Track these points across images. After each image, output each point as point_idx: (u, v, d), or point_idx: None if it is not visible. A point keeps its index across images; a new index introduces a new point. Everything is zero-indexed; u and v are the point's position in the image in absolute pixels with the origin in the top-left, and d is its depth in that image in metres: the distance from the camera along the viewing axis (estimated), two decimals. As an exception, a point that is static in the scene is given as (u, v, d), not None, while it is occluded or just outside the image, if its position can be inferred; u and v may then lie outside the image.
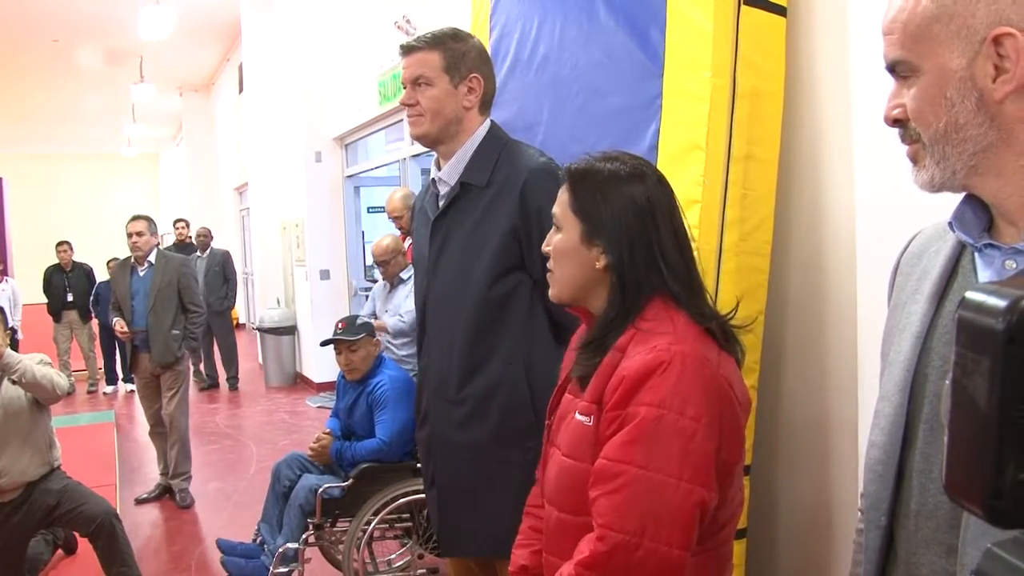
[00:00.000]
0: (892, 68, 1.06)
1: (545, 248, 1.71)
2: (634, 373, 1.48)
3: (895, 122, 1.08)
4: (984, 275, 1.06)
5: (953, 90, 1.00)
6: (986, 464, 0.53)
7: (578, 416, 1.59)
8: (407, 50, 2.36)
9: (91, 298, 10.14)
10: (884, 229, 2.25)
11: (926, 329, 1.11)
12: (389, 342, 4.68)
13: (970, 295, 0.56)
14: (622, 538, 1.43)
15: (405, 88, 2.36)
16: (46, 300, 10.44)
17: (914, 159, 1.07)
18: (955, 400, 0.57)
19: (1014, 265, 1.02)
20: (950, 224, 1.09)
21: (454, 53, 2.35)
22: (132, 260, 5.89)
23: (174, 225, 11.29)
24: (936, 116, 1.02)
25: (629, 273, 1.60)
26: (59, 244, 10.53)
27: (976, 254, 1.07)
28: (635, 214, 1.62)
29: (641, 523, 1.43)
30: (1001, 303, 0.52)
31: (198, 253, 10.32)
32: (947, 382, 0.57)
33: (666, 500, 1.44)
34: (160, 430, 6.02)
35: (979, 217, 1.06)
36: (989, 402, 0.53)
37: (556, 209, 1.68)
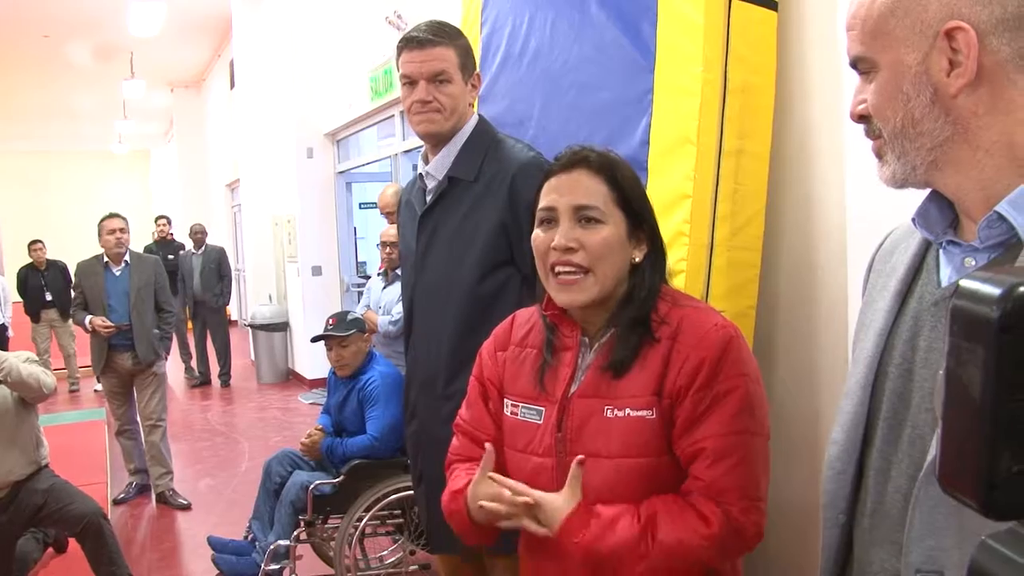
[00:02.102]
0: (854, 64, 1.07)
1: (571, 244, 1.54)
2: (714, 352, 1.51)
3: (860, 118, 1.07)
4: (946, 272, 1.06)
5: (909, 85, 0.99)
6: (980, 455, 0.52)
7: (633, 412, 1.52)
8: (421, 43, 2.28)
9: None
10: (875, 224, 2.24)
11: (889, 326, 1.11)
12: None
13: (964, 283, 0.55)
14: (755, 503, 1.51)
15: (413, 83, 2.29)
16: (22, 300, 10.32)
17: (878, 155, 1.07)
18: (948, 391, 0.56)
19: (973, 262, 1.02)
20: (914, 220, 1.08)
21: (464, 50, 2.34)
22: (105, 259, 5.82)
23: (155, 222, 11.14)
24: (894, 111, 1.01)
25: (663, 261, 1.63)
26: (32, 243, 10.38)
27: (940, 251, 1.07)
28: (649, 201, 1.64)
29: (762, 485, 1.54)
30: (996, 291, 0.51)
31: (192, 249, 10.28)
32: (940, 373, 0.57)
33: (767, 460, 1.57)
34: (127, 428, 5.97)
35: (944, 214, 1.06)
36: (983, 392, 0.52)
37: (594, 202, 1.54)
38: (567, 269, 1.55)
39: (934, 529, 0.98)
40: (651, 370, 1.53)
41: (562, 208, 1.56)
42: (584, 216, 1.55)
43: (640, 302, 1.57)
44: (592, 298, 1.55)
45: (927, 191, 1.09)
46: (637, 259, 1.59)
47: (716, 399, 1.49)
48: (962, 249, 1.03)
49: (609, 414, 1.54)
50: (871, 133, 1.07)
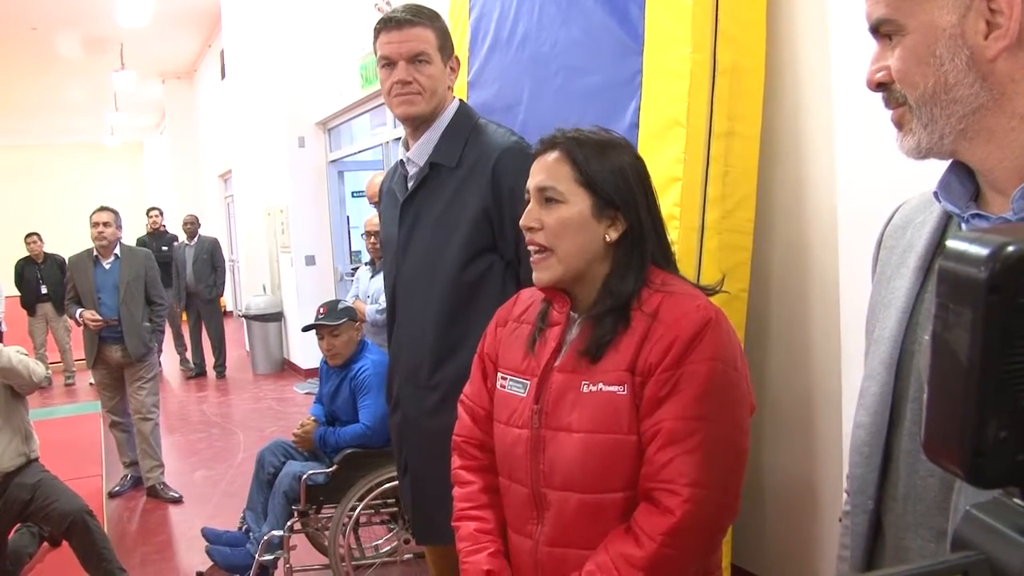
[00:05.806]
0: (875, 28, 1.01)
1: (532, 224, 1.60)
2: (687, 332, 1.49)
3: (879, 86, 1.02)
4: None
5: (943, 48, 0.94)
6: (967, 421, 0.51)
7: (605, 388, 1.53)
8: (400, 23, 2.25)
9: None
10: (865, 204, 2.23)
11: (912, 304, 1.06)
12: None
13: (951, 243, 0.53)
14: (710, 494, 1.46)
15: (392, 64, 2.27)
16: (19, 294, 10.25)
17: (899, 124, 1.01)
18: (935, 355, 0.55)
19: None
20: (935, 194, 1.03)
21: (442, 32, 2.31)
22: (95, 253, 5.79)
23: (147, 214, 11.08)
24: (924, 76, 0.96)
25: (644, 241, 1.59)
26: (28, 236, 10.26)
27: (963, 225, 1.02)
28: (637, 182, 1.61)
29: (723, 477, 1.48)
30: (983, 251, 0.50)
31: (186, 240, 10.25)
32: (927, 337, 0.55)
33: (735, 450, 1.52)
34: (120, 421, 5.94)
35: (965, 186, 1.01)
36: (970, 356, 0.51)
37: (553, 183, 1.58)
38: (533, 248, 1.61)
39: None
40: (627, 347, 1.53)
41: (532, 189, 1.62)
42: (545, 197, 1.59)
43: (618, 285, 1.57)
44: (556, 277, 1.59)
45: (918, 172, 1.05)
46: (610, 238, 1.58)
47: (680, 380, 1.47)
48: (991, 223, 0.97)
49: (585, 389, 1.55)
50: (892, 101, 1.01)
